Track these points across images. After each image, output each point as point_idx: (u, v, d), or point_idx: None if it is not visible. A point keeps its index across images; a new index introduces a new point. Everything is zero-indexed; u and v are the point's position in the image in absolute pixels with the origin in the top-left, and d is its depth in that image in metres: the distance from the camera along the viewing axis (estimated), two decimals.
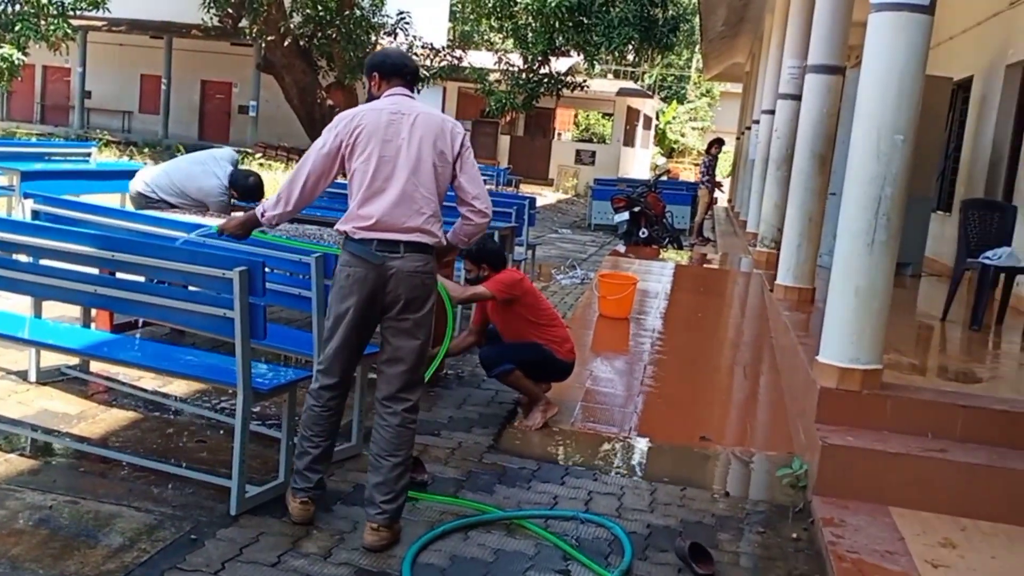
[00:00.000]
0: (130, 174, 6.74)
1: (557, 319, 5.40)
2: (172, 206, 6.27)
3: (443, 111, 32.30)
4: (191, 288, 3.78)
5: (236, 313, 3.42)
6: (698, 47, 28.49)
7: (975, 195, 9.84)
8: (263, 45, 21.70)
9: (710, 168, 16.17)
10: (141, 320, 4.33)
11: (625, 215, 13.70)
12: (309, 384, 3.67)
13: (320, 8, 20.44)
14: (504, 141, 31.81)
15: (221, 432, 4.51)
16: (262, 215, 3.65)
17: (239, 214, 3.77)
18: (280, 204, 3.58)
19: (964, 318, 7.19)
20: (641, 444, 5.08)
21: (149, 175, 6.46)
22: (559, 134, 36.19)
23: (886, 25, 4.45)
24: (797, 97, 8.96)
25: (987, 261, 6.80)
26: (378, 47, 22.01)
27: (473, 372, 6.15)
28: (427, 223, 3.48)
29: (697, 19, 19.04)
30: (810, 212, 7.37)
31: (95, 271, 4.10)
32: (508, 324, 5.25)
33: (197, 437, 4.47)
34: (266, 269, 3.58)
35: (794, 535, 3.99)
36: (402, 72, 3.63)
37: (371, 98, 3.66)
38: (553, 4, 17.03)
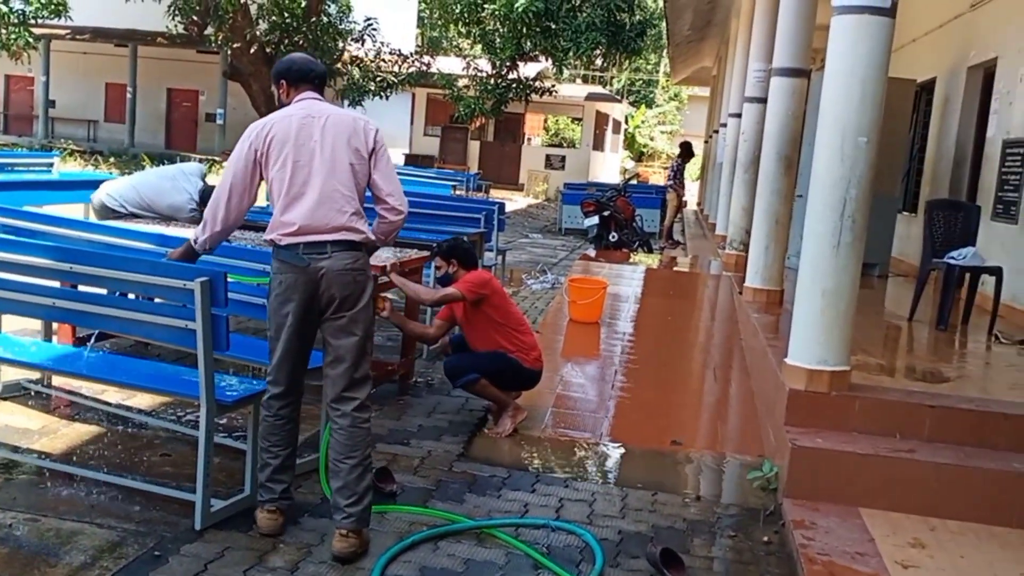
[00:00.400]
0: (93, 184, 6.66)
1: (525, 325, 5.37)
2: (137, 218, 6.20)
3: (412, 117, 32.29)
4: (156, 300, 3.72)
5: (198, 324, 3.37)
6: (665, 51, 28.61)
7: (940, 195, 9.95)
8: (229, 52, 21.51)
9: (678, 172, 16.23)
10: (95, 333, 4.24)
11: (595, 219, 13.72)
12: None
13: (286, 15, 20.31)
14: (474, 146, 31.78)
15: (187, 445, 4.44)
16: (195, 242, 3.66)
17: (181, 245, 3.76)
18: (208, 227, 3.60)
19: (931, 318, 7.24)
20: (612, 449, 5.06)
21: (115, 188, 6.38)
22: (529, 139, 36.21)
23: (848, 27, 4.48)
24: (763, 100, 9.01)
25: (952, 261, 6.86)
26: (346, 53, 21.94)
27: (443, 379, 6.09)
28: (351, 221, 3.50)
29: (664, 23, 19.08)
30: (777, 214, 7.41)
31: (56, 284, 4.02)
32: (475, 326, 5.21)
33: (162, 450, 4.40)
34: (228, 279, 3.50)
35: (765, 538, 3.98)
36: (308, 77, 3.64)
37: (281, 106, 3.67)
38: (520, 9, 17.02)
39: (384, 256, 5.45)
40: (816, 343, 4.60)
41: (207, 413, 3.46)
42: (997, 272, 6.85)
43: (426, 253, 5.97)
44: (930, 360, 5.90)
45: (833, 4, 4.54)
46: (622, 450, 5.05)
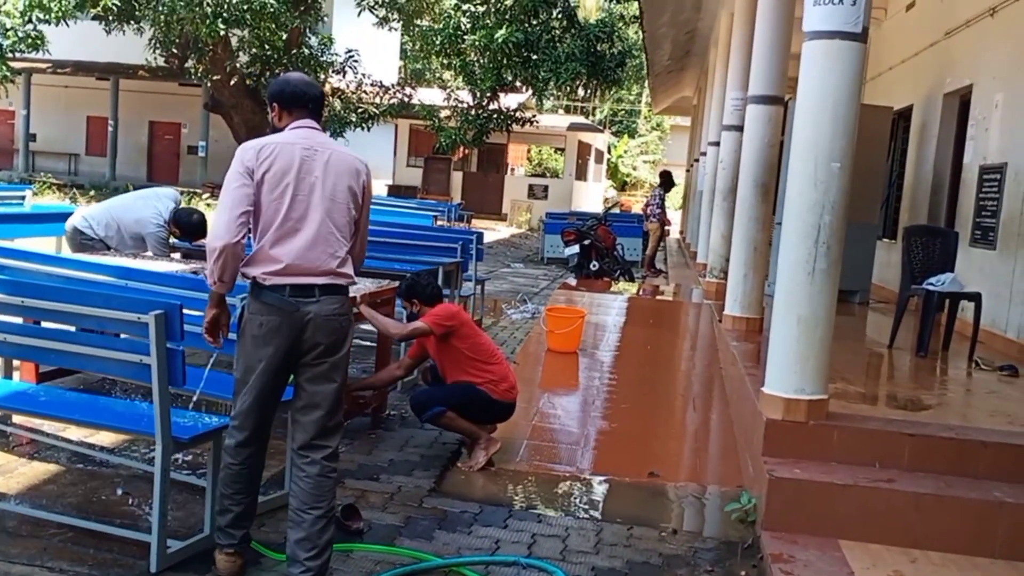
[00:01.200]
0: (65, 216, 6.57)
1: (496, 356, 5.27)
2: (107, 247, 6.11)
3: (395, 148, 32.29)
4: (117, 335, 3.60)
5: (152, 359, 3.25)
6: (646, 81, 28.77)
7: (919, 222, 9.94)
8: (210, 85, 21.49)
9: (660, 201, 16.22)
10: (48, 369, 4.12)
11: (575, 248, 13.67)
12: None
13: (267, 47, 20.31)
14: (457, 177, 31.79)
15: (148, 483, 4.28)
16: (214, 284, 3.28)
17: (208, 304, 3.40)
18: (220, 260, 3.22)
19: (911, 344, 7.19)
20: (588, 482, 4.95)
21: (88, 210, 6.36)
22: (512, 169, 36.26)
23: (819, 53, 4.44)
24: (741, 128, 8.98)
25: (931, 287, 6.82)
26: (327, 85, 21.93)
27: None
28: (341, 265, 3.37)
29: (643, 54, 19.19)
30: (755, 241, 7.36)
31: (19, 319, 3.90)
32: (446, 359, 5.12)
33: (123, 489, 4.26)
34: (186, 312, 3.40)
35: (743, 573, 3.88)
36: (303, 101, 3.42)
37: (274, 130, 3.44)
38: (500, 40, 17.08)
39: (356, 287, 5.36)
40: (792, 372, 4.52)
41: (163, 451, 3.34)
42: (976, 298, 6.81)
43: (396, 284, 5.87)
44: (910, 388, 5.83)
45: (804, 29, 4.51)
46: (598, 483, 4.95)
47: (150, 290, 4.18)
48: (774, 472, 4.29)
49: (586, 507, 4.67)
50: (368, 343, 6.73)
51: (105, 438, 4.86)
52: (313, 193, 3.30)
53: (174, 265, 5.48)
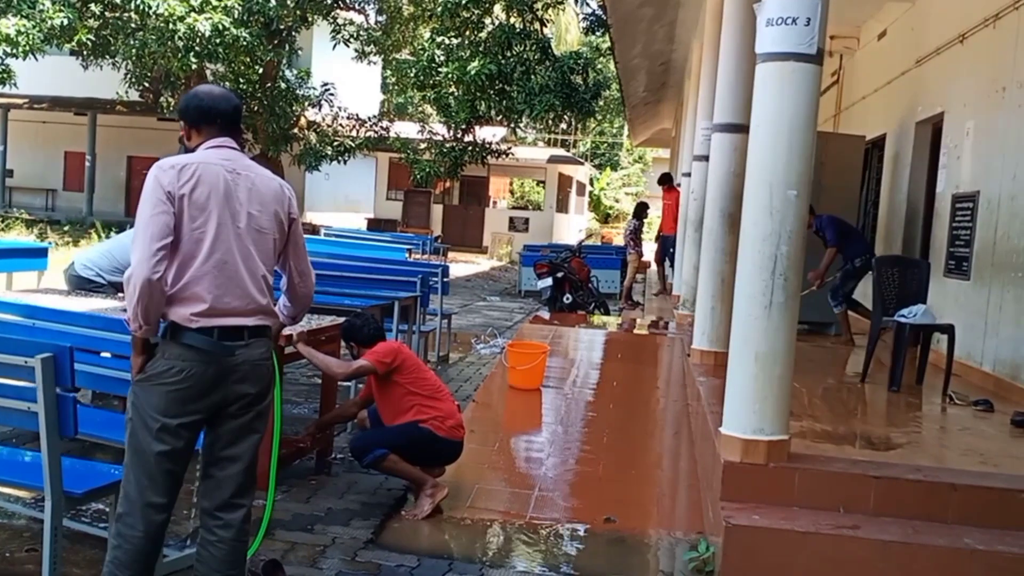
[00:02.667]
0: (24, 252, 6.40)
1: (442, 391, 5.00)
2: (119, 291, 5.89)
3: (375, 182, 32.13)
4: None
5: (40, 406, 2.97)
6: (624, 114, 28.76)
7: (893, 251, 9.77)
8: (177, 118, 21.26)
9: (636, 233, 16.04)
10: None
11: (548, 281, 13.41)
12: None
13: (242, 81, 20.12)
14: (437, 210, 31.65)
15: (69, 539, 3.99)
16: (137, 329, 2.88)
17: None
18: (141, 305, 2.83)
19: (883, 379, 6.94)
20: (540, 529, 4.66)
21: (87, 257, 6.17)
22: (494, 202, 36.18)
23: (773, 76, 4.24)
24: (709, 158, 8.81)
25: (903, 319, 6.60)
26: (302, 119, 21.77)
27: None
28: (269, 303, 3.07)
29: (619, 85, 19.12)
30: (722, 273, 7.12)
31: None
32: (388, 399, 4.85)
33: (28, 544, 3.95)
34: (85, 351, 3.12)
35: None
36: (210, 116, 3.05)
37: (186, 149, 3.09)
38: (474, 72, 16.93)
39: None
40: (751, 411, 4.26)
41: (53, 507, 3.05)
42: (949, 330, 6.59)
43: (342, 320, 5.60)
44: (880, 425, 5.58)
45: (757, 51, 4.32)
46: (550, 530, 4.66)
47: (57, 330, 3.89)
48: (731, 519, 4.02)
49: (534, 558, 4.38)
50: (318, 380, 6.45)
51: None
52: (238, 222, 2.96)
53: (93, 303, 5.20)
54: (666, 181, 16.45)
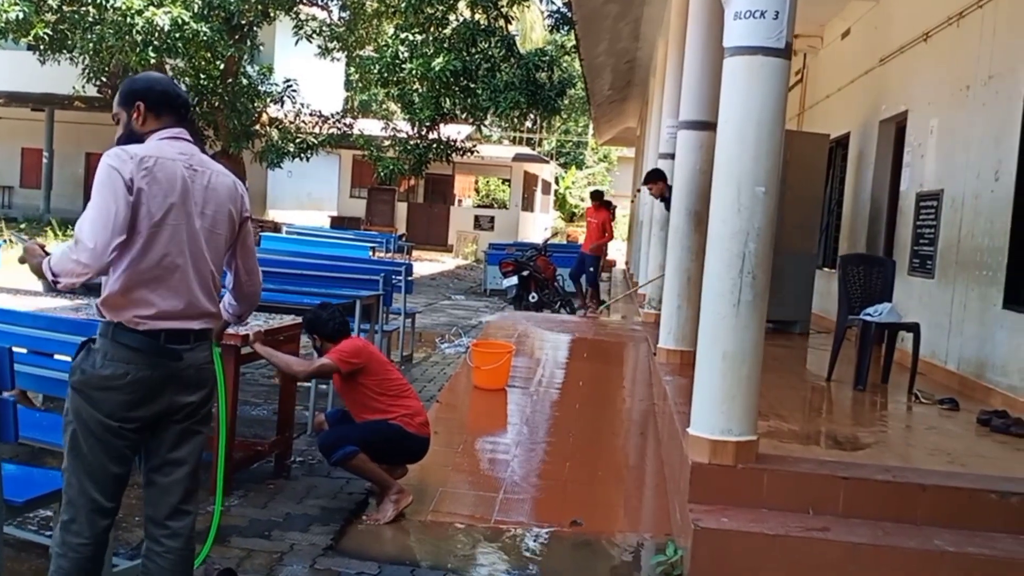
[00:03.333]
0: None
1: (407, 390, 4.89)
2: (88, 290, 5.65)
3: (339, 179, 31.86)
4: None
5: None
6: (590, 112, 28.74)
7: (858, 250, 9.78)
8: None
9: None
10: None
11: (514, 279, 13.33)
12: None
13: (202, 76, 19.82)
14: (402, 208, 31.45)
15: (17, 550, 3.82)
16: (53, 282, 2.65)
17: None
18: (73, 263, 2.60)
19: (849, 377, 6.93)
20: (505, 533, 4.56)
21: None
22: (459, 200, 36.04)
23: (741, 70, 4.16)
24: (675, 156, 8.76)
25: (868, 318, 6.58)
26: (264, 116, 21.49)
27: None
28: (216, 306, 2.94)
29: (584, 83, 19.07)
30: (688, 271, 7.07)
31: None
32: (355, 396, 4.74)
33: None
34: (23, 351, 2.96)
35: None
36: (175, 103, 2.90)
37: (130, 136, 2.85)
38: (438, 69, 16.79)
39: (251, 323, 4.94)
40: (719, 411, 4.19)
41: None
42: (915, 328, 6.58)
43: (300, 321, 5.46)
44: (847, 424, 5.54)
45: (725, 45, 4.24)
46: (516, 534, 4.55)
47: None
48: (700, 522, 3.95)
49: (500, 563, 4.27)
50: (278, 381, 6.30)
51: None
52: (192, 222, 2.80)
53: (43, 302, 5.01)
54: (597, 198, 15.56)
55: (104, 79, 20.90)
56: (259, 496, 4.76)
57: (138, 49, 17.51)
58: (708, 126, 7.17)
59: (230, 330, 4.58)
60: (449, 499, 4.95)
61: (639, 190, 19.81)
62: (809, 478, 4.19)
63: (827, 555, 3.84)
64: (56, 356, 4.05)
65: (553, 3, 32.94)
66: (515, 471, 5.53)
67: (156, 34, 17.35)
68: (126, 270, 2.72)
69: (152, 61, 17.87)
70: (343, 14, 22.40)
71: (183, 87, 17.82)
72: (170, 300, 2.77)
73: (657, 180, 9.25)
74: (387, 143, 20.78)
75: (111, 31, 17.46)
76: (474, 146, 20.43)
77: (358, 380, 4.69)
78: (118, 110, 2.90)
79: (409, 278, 9.13)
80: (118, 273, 2.71)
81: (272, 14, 20.34)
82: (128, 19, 17.13)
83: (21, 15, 17.49)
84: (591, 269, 14.80)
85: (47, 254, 2.69)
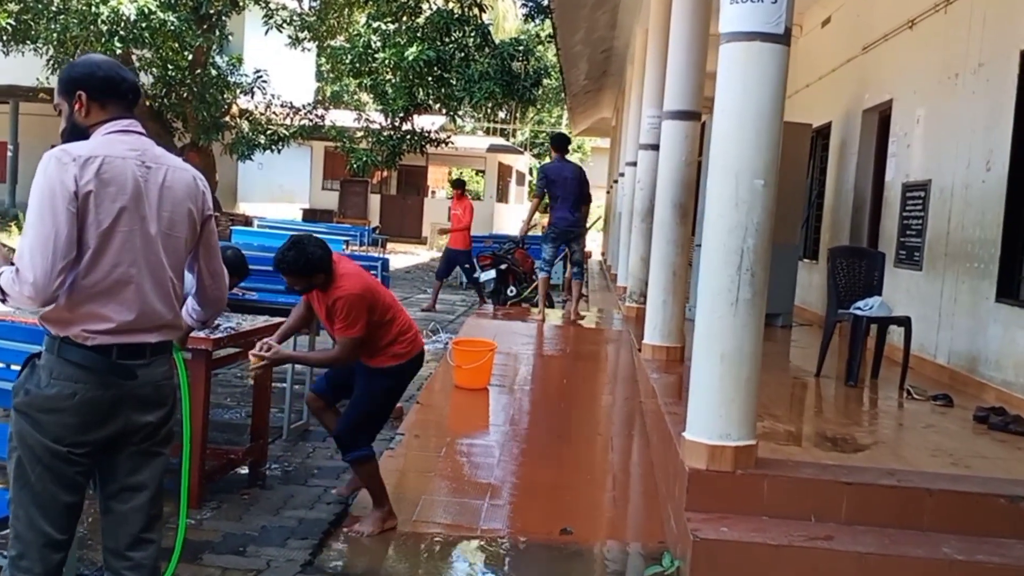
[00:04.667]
0: None
1: (394, 307, 4.53)
2: None
3: (311, 171, 31.48)
4: None
5: None
6: (565, 102, 28.52)
7: (840, 242, 9.65)
8: None
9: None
10: None
11: (492, 273, 13.09)
12: None
13: (170, 67, 19.38)
14: (375, 200, 31.12)
15: None
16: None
17: None
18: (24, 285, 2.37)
19: (839, 372, 6.79)
20: (492, 544, 4.35)
21: None
22: (433, 192, 35.74)
23: (738, 56, 3.96)
24: (657, 147, 8.55)
25: (859, 312, 6.43)
26: (233, 107, 21.08)
27: (303, 463, 5.35)
28: (176, 316, 2.68)
29: (560, 73, 18.85)
30: (674, 265, 6.89)
31: None
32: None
33: None
34: None
35: None
36: (121, 89, 2.60)
37: (74, 131, 2.58)
38: (411, 58, 16.48)
39: (223, 325, 4.69)
40: (717, 415, 4.00)
41: None
42: (906, 323, 6.44)
43: (278, 320, 5.20)
44: (843, 424, 5.37)
45: (721, 31, 4.03)
46: (504, 544, 4.35)
47: None
48: (699, 532, 3.76)
49: (485, 575, 4.07)
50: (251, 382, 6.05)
51: None
52: (148, 225, 2.53)
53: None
54: (459, 186, 14.35)
55: None
56: (233, 508, 4.52)
57: (103, 39, 17.06)
58: (694, 116, 7.00)
59: (201, 333, 4.34)
60: (432, 507, 4.73)
61: (616, 181, 19.66)
62: (811, 484, 4.01)
63: (833, 566, 3.67)
64: (13, 367, 3.78)
65: None
66: (500, 476, 5.32)
67: (122, 24, 16.91)
68: (72, 284, 2.45)
69: (118, 51, 17.43)
70: (313, 3, 21.99)
71: (151, 77, 17.26)
72: (123, 313, 2.51)
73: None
74: (360, 134, 20.45)
75: (75, 21, 17.01)
76: (448, 137, 20.12)
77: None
78: (59, 100, 2.62)
79: (385, 272, 8.89)
80: (64, 287, 2.44)
81: (241, 3, 19.92)
82: (93, 8, 16.68)
83: None
84: (466, 266, 13.65)
85: (10, 261, 2.43)
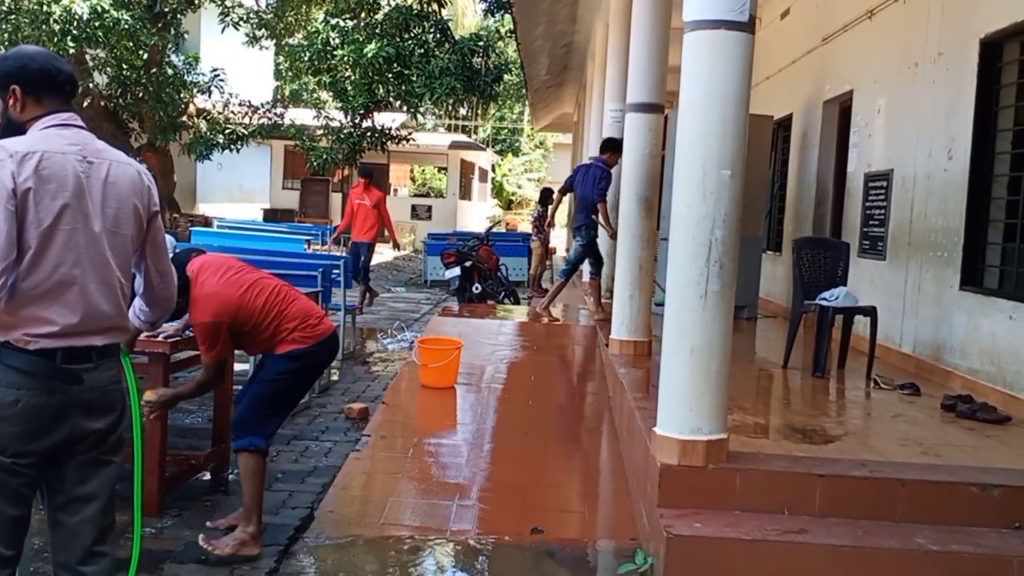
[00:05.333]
0: None
1: (288, 298, 4.13)
2: None
3: (271, 170, 31.11)
4: None
5: None
6: (527, 98, 28.46)
7: (803, 233, 9.67)
8: None
9: (541, 219, 15.75)
10: None
11: (456, 270, 12.99)
12: None
13: (125, 66, 19.04)
14: (336, 199, 30.80)
15: None
16: None
17: None
18: None
19: (806, 363, 6.78)
20: (461, 545, 4.27)
21: None
22: (395, 190, 35.51)
23: (703, 44, 3.91)
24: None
25: (825, 303, 6.42)
26: (191, 106, 20.77)
27: (267, 467, 5.21)
28: (124, 317, 2.57)
29: (520, 69, 18.78)
30: (640, 260, 6.84)
31: None
32: (239, 342, 4.14)
33: None
34: None
35: None
36: (57, 82, 2.50)
37: (10, 127, 2.48)
38: (370, 55, 16.32)
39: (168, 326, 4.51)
40: (688, 410, 3.95)
41: None
42: (871, 312, 6.44)
43: None
44: (812, 415, 5.35)
45: (685, 19, 3.98)
46: (473, 546, 4.27)
47: None
48: (672, 529, 3.70)
49: None
50: None
51: None
52: (91, 223, 2.43)
53: None
54: (366, 175, 13.07)
55: None
56: (195, 515, 4.40)
57: (56, 39, 16.71)
58: (657, 108, 6.95)
59: (159, 338, 4.22)
60: (400, 510, 4.63)
61: None
62: (783, 477, 3.97)
63: (807, 559, 3.63)
64: None
65: None
66: (469, 475, 5.23)
67: (74, 23, 16.58)
68: (13, 286, 2.34)
69: (71, 51, 17.10)
70: (271, 1, 21.73)
71: (104, 77, 16.87)
72: (67, 315, 2.40)
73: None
74: (320, 132, 20.25)
75: (27, 20, 16.65)
76: (409, 134, 19.98)
77: (238, 331, 4.04)
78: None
79: (348, 272, 8.75)
80: (5, 290, 2.33)
81: (196, 1, 19.62)
82: (45, 7, 16.35)
83: None
84: (363, 258, 12.60)
85: None
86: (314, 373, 4.29)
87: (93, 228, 2.44)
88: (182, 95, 20.26)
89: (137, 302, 2.77)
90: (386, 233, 13.80)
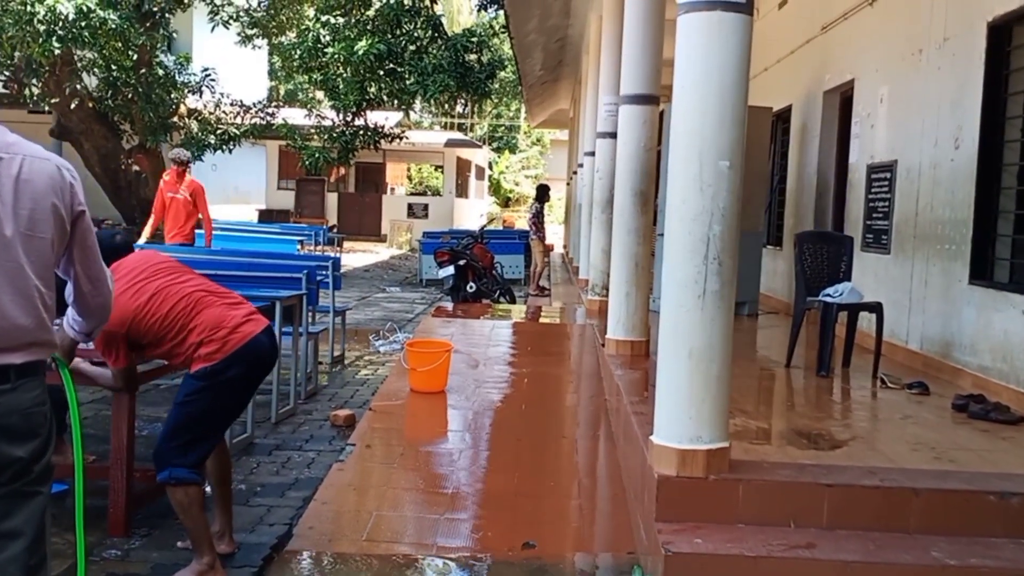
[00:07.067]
0: None
1: (200, 303, 3.73)
2: None
3: (266, 171, 30.86)
4: None
5: None
6: (522, 94, 28.21)
7: (804, 227, 9.43)
8: (49, 109, 19.84)
9: (539, 216, 15.52)
10: None
11: (450, 269, 12.74)
12: None
13: (114, 67, 18.77)
14: (332, 199, 30.59)
15: None
16: None
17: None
18: None
19: (809, 362, 6.54)
20: (451, 562, 4.02)
21: None
22: (392, 189, 35.30)
23: (699, 27, 3.66)
24: (615, 135, 8.26)
25: (828, 299, 6.18)
26: (182, 107, 20.51)
27: (245, 480, 4.98)
28: (47, 330, 2.30)
29: (515, 65, 18.52)
30: (636, 256, 6.60)
31: None
32: (154, 354, 3.87)
33: None
34: None
35: None
36: None
37: None
38: (362, 52, 16.06)
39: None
40: (687, 417, 3.71)
41: None
42: (877, 308, 6.20)
43: None
44: (817, 418, 5.10)
45: (679, 1, 3.72)
46: (462, 563, 4.02)
47: None
48: (671, 546, 3.46)
49: None
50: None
51: None
52: (3, 227, 2.18)
53: None
54: (180, 163, 10.71)
55: (8, 73, 19.71)
56: (165, 534, 4.14)
57: (41, 40, 16.44)
58: (652, 100, 6.71)
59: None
60: (385, 524, 4.38)
61: (575, 172, 19.39)
62: (789, 487, 3.73)
63: (816, 575, 3.39)
64: None
65: None
66: (459, 486, 4.99)
67: (60, 23, 16.30)
68: None
69: (57, 52, 16.84)
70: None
71: (94, 79, 16.61)
72: None
73: None
74: (312, 131, 20.00)
75: (11, 21, 16.36)
76: (403, 132, 19.71)
77: (135, 342, 3.74)
78: None
79: (336, 273, 8.51)
80: None
81: (185, 0, 19.35)
82: (29, 7, 16.08)
83: None
84: None
85: None
86: (235, 390, 3.74)
87: (4, 232, 2.18)
88: (172, 96, 20.00)
89: (70, 311, 2.52)
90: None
